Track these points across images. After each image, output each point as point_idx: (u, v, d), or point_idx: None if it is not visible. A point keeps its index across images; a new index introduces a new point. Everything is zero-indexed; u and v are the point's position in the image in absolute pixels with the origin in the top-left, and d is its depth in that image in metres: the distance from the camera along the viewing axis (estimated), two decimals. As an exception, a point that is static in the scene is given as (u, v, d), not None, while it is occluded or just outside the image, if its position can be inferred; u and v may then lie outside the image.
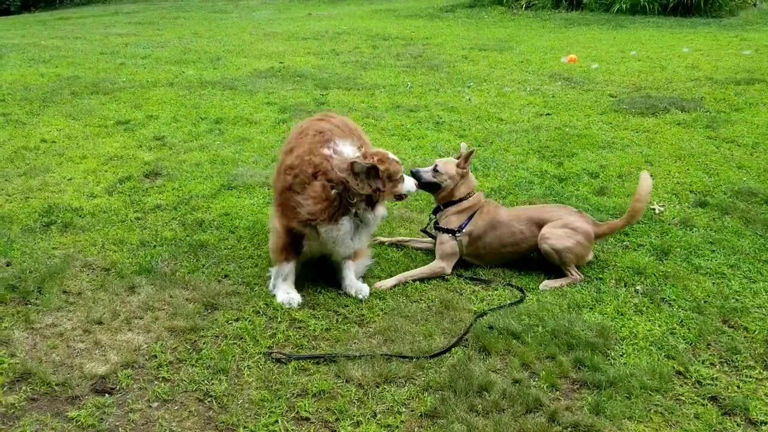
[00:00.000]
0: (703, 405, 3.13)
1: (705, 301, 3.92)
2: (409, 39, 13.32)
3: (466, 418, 3.04)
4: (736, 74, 9.42)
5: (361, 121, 7.44)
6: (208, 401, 3.21)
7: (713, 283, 4.10)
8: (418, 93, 8.87)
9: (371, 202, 3.93)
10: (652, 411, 3.10)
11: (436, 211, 4.58)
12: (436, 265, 4.31)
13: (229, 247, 4.66)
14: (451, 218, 4.43)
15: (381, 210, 4.04)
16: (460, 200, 4.45)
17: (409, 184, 4.19)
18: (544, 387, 3.26)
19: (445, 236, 4.37)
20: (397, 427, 3.04)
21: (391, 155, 4.05)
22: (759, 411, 3.07)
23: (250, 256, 4.54)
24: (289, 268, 4.08)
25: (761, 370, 3.35)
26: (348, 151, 3.93)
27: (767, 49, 11.25)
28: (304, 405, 3.16)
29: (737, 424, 3.01)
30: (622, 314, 3.83)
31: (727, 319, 3.75)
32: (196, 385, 3.31)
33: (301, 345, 3.61)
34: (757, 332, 3.62)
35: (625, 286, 4.13)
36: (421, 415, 3.10)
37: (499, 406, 3.11)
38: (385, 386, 3.29)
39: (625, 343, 3.58)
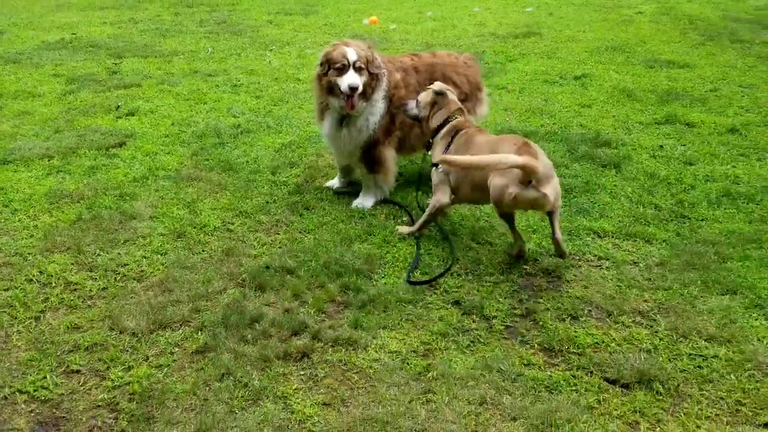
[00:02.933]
0: (446, 309, 3.58)
1: (460, 225, 4.41)
2: (215, 5, 13.08)
3: (235, 348, 3.26)
4: (516, 29, 10.31)
5: (155, 88, 7.33)
6: (-27, 369, 3.16)
7: (468, 209, 4.61)
8: (219, 58, 8.83)
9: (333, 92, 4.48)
10: (404, 319, 3.49)
11: (427, 147, 4.40)
12: (432, 202, 4.18)
13: (2, 220, 4.49)
14: (436, 149, 4.24)
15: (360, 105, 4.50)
16: (440, 128, 4.24)
17: (347, 78, 4.35)
18: (312, 312, 3.55)
19: (433, 169, 4.20)
20: (169, 365, 3.19)
21: (345, 47, 4.44)
22: (491, 308, 3.57)
23: (26, 227, 4.41)
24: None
25: (498, 275, 3.87)
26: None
27: (546, 6, 12.37)
28: (75, 359, 3.21)
29: (473, 320, 3.49)
30: (388, 242, 4.22)
31: (475, 237, 4.26)
32: (-39, 356, 3.24)
33: (76, 306, 3.63)
34: (498, 245, 4.16)
35: (393, 219, 4.52)
36: (192, 352, 3.27)
37: (267, 333, 3.36)
38: (160, 332, 3.41)
39: (388, 266, 3.97)
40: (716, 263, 3.88)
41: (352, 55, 4.39)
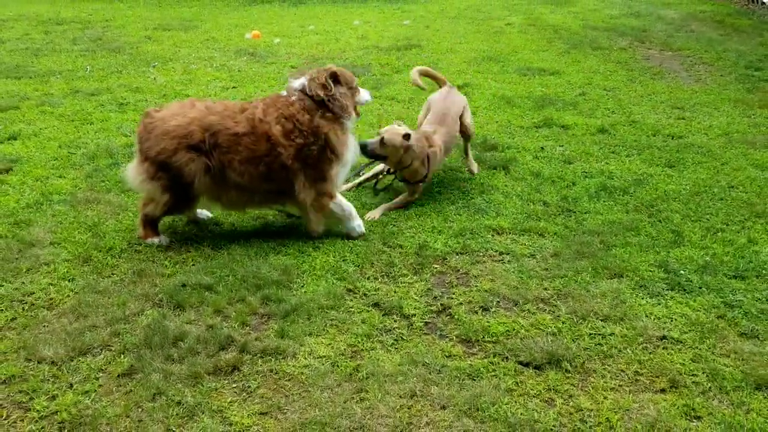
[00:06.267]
0: (368, 311, 3.74)
1: (369, 230, 4.59)
2: (87, 22, 12.53)
3: (162, 367, 3.25)
4: (397, 42, 10.67)
5: (35, 110, 6.99)
6: None
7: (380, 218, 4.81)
8: (100, 76, 8.52)
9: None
10: (328, 325, 3.62)
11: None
12: (412, 198, 5.04)
13: None
14: (418, 170, 4.95)
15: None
16: (408, 165, 4.89)
17: (365, 94, 4.63)
18: (236, 326, 3.60)
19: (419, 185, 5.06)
20: (95, 391, 3.13)
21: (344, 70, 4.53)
22: (410, 307, 3.78)
23: None
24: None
25: (412, 276, 4.09)
26: (297, 81, 4.46)
27: (422, 19, 12.88)
28: (-8, 394, 3.08)
29: (394, 320, 3.68)
30: (302, 252, 4.32)
31: (386, 241, 4.46)
32: None
33: (-17, 339, 3.46)
34: (408, 247, 4.38)
35: (304, 228, 4.63)
36: (118, 376, 3.23)
37: (194, 350, 3.38)
38: (80, 358, 3.34)
39: (306, 275, 4.08)
40: (602, 251, 4.31)
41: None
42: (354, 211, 4.51)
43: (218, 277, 4.01)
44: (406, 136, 4.78)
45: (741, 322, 3.59)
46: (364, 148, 4.75)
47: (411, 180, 4.99)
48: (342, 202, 4.46)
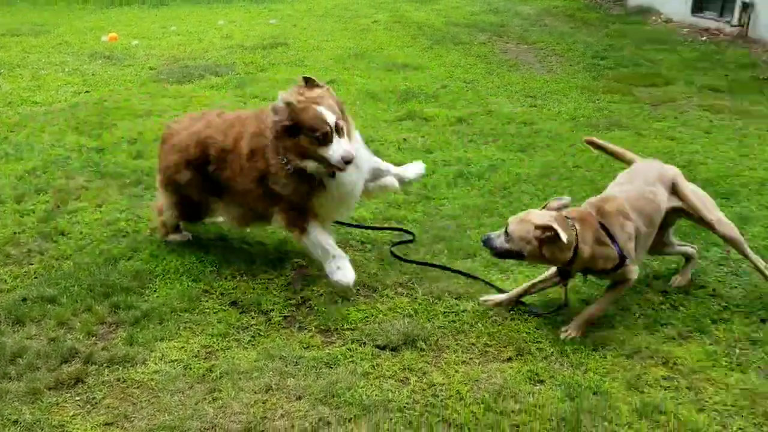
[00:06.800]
0: (224, 310, 3.67)
1: (230, 230, 4.49)
2: None
3: (-4, 387, 3.03)
4: (263, 40, 10.52)
5: None
6: None
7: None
8: (-66, 87, 7.83)
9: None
10: (181, 328, 3.51)
11: (564, 274, 3.56)
12: (621, 292, 3.56)
13: None
14: (597, 260, 3.40)
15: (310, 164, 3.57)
16: (573, 256, 3.35)
17: (338, 149, 3.40)
18: (81, 337, 3.42)
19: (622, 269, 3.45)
20: None
21: (319, 107, 3.47)
22: (268, 302, 3.73)
23: None
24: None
25: (272, 271, 4.04)
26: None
27: (290, 18, 12.78)
28: None
29: (252, 317, 3.63)
30: (156, 256, 4.17)
31: (246, 239, 4.39)
32: None
33: None
34: (269, 244, 4.36)
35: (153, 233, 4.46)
36: (-56, 401, 2.97)
37: (33, 366, 3.18)
38: None
39: (159, 279, 3.93)
40: (458, 233, 4.45)
41: (331, 118, 3.50)
42: (335, 252, 3.74)
43: (62, 288, 3.79)
44: (545, 228, 3.27)
45: (581, 290, 3.82)
46: (487, 243, 3.49)
47: (601, 270, 3.49)
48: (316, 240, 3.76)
